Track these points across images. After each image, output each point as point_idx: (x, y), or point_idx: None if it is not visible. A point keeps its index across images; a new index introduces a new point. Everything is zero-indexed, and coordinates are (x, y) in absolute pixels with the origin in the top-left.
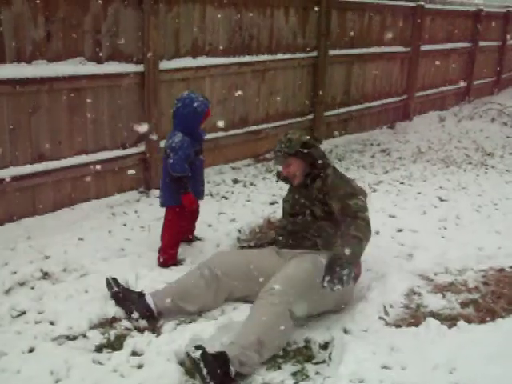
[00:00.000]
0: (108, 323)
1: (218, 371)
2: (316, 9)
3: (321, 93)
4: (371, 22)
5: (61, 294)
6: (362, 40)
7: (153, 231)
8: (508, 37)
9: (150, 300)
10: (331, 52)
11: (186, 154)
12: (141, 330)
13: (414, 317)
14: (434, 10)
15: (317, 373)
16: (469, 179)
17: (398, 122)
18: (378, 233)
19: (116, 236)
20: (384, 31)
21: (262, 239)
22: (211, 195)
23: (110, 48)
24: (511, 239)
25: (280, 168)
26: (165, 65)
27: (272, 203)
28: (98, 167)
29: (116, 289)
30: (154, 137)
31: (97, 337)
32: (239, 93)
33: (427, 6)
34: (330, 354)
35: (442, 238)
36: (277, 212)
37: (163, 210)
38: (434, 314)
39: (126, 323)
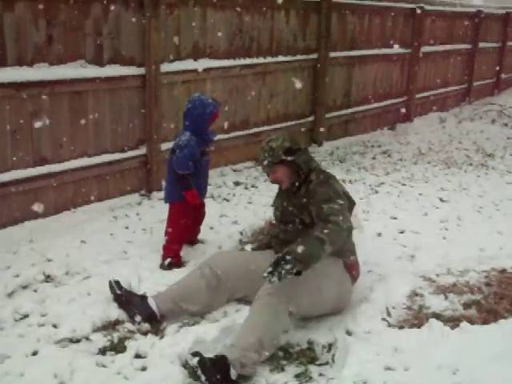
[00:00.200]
0: (111, 326)
1: (218, 376)
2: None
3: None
4: (371, 23)
5: (63, 296)
6: (362, 42)
7: (155, 234)
8: (507, 38)
9: (152, 303)
10: (332, 54)
11: (191, 153)
12: (144, 333)
13: (417, 318)
14: (434, 11)
15: (320, 374)
16: (470, 180)
17: (398, 123)
18: (379, 234)
19: (118, 239)
20: (384, 33)
21: (263, 241)
22: (213, 197)
23: (111, 51)
24: None
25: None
26: (166, 67)
27: None
28: (100, 170)
29: (119, 292)
30: (155, 139)
31: (100, 339)
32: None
33: (427, 7)
34: (333, 355)
35: (444, 239)
36: None
37: (165, 212)
38: (436, 315)
39: (129, 326)
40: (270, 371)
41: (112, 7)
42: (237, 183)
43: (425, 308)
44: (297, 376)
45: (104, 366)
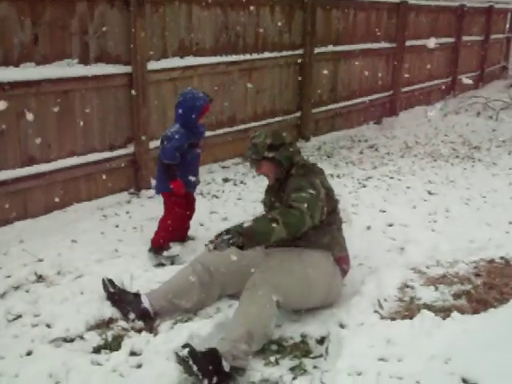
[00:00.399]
0: (105, 324)
1: (210, 367)
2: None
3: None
4: (356, 18)
5: (56, 296)
6: (347, 37)
7: (145, 231)
8: (491, 31)
9: (145, 300)
10: (317, 50)
11: (178, 144)
12: (138, 331)
13: (409, 309)
14: (418, 5)
15: (315, 367)
16: (456, 173)
17: (384, 117)
18: (369, 228)
19: (109, 237)
20: (369, 28)
21: None
22: (202, 194)
23: (97, 50)
24: (501, 231)
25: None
26: (152, 65)
27: None
28: (88, 169)
29: (112, 290)
30: (143, 137)
31: (94, 338)
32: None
33: (411, 1)
34: (327, 348)
35: (433, 231)
36: None
37: (155, 210)
38: (427, 306)
39: (122, 324)
40: (265, 365)
41: (97, 6)
42: (226, 180)
43: (416, 299)
44: (291, 369)
45: (99, 364)
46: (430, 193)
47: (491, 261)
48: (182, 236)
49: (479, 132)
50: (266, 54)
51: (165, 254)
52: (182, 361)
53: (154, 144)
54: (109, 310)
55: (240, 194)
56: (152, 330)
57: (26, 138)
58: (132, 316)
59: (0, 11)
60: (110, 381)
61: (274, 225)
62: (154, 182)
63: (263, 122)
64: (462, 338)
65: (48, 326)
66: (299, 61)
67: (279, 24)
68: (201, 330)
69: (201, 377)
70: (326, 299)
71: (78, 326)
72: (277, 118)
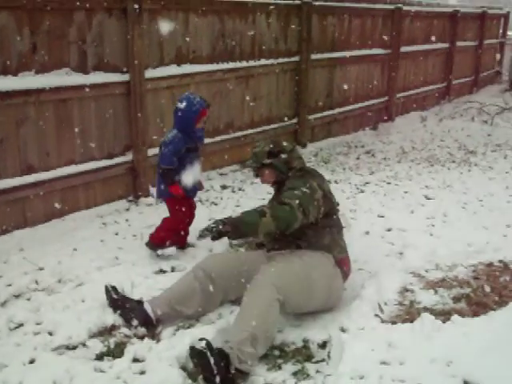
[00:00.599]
0: (107, 331)
1: (222, 364)
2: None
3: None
4: (351, 25)
5: (57, 304)
6: (342, 43)
7: (145, 239)
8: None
9: (148, 307)
10: (313, 56)
11: (175, 149)
12: (140, 337)
13: (409, 313)
14: (412, 12)
15: (317, 371)
16: (453, 177)
17: (380, 123)
18: (367, 233)
19: (109, 245)
20: (364, 34)
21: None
22: (201, 201)
23: (95, 58)
24: (498, 234)
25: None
26: (150, 73)
27: None
28: (87, 177)
29: (115, 296)
30: (141, 145)
31: (97, 345)
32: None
33: (405, 8)
34: (329, 352)
35: (431, 235)
36: None
37: (154, 218)
38: (427, 310)
39: (125, 331)
40: (268, 370)
41: (95, 15)
42: (224, 187)
43: (416, 303)
44: (294, 374)
45: (102, 372)
46: (427, 197)
47: (490, 264)
48: (182, 242)
49: (474, 137)
50: (263, 61)
51: (159, 252)
52: (197, 354)
53: (152, 151)
54: (111, 317)
55: (238, 201)
56: (154, 336)
57: (25, 147)
58: (135, 323)
59: None
60: None
61: (263, 218)
62: (152, 189)
63: (260, 129)
64: (462, 341)
65: (50, 333)
66: (295, 68)
67: (275, 31)
68: (203, 336)
69: (216, 371)
70: (327, 301)
71: (80, 333)
72: (274, 125)
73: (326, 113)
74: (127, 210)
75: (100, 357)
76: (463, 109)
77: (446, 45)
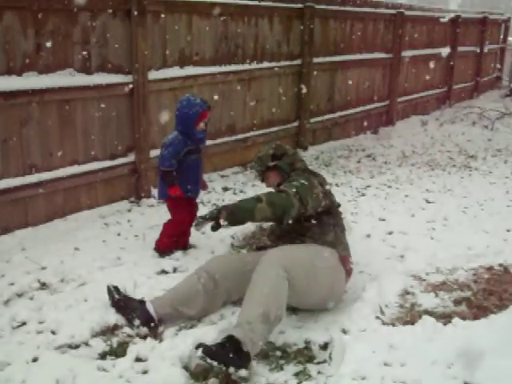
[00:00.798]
0: (110, 331)
1: (231, 355)
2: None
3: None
4: (353, 29)
5: (60, 303)
6: (344, 47)
7: (147, 240)
8: (485, 42)
9: (150, 307)
10: (315, 60)
11: (174, 151)
12: (143, 337)
13: (410, 315)
14: (414, 16)
15: (319, 372)
16: (454, 181)
17: (381, 127)
18: (368, 236)
19: (111, 245)
20: (366, 38)
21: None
22: (202, 203)
23: (99, 59)
24: (498, 238)
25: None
26: (153, 75)
27: None
28: (89, 178)
29: (117, 297)
30: (144, 146)
31: (99, 344)
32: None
33: (407, 12)
34: (331, 353)
35: (432, 239)
36: None
37: (155, 218)
38: (428, 313)
39: (127, 330)
40: (270, 370)
41: (99, 16)
42: (225, 189)
43: (417, 306)
44: (296, 374)
45: (105, 371)
46: (427, 201)
47: (490, 268)
48: (184, 243)
49: (475, 141)
50: (265, 64)
51: (166, 258)
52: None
53: (155, 153)
54: (113, 317)
55: None
56: (157, 336)
57: (28, 147)
58: (137, 322)
59: (4, 21)
60: None
61: (258, 203)
62: (153, 191)
63: (262, 132)
64: (463, 343)
65: (53, 332)
66: (297, 71)
67: (278, 34)
68: (205, 337)
69: (224, 368)
70: (329, 294)
71: (82, 332)
72: (275, 128)
73: (327, 116)
74: (129, 210)
75: (103, 356)
76: (464, 113)
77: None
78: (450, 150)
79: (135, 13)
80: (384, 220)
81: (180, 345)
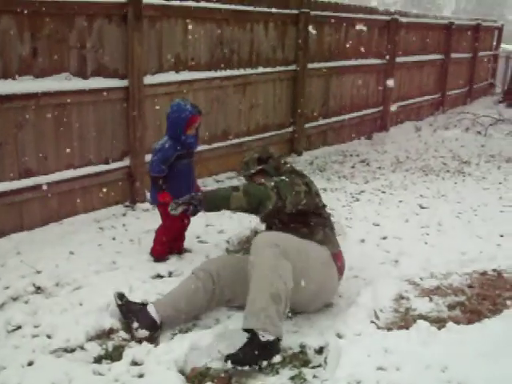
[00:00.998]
0: (105, 335)
1: (256, 352)
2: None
3: (301, 102)
4: (348, 35)
5: (55, 307)
6: (339, 53)
7: (142, 244)
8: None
9: (152, 310)
10: (310, 65)
11: (164, 156)
12: (138, 341)
13: (404, 320)
14: (408, 23)
15: (314, 376)
16: (447, 187)
17: (375, 132)
18: (363, 241)
19: (106, 249)
20: (360, 44)
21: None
22: None
23: (94, 63)
24: (492, 243)
25: None
26: (149, 80)
27: None
28: (85, 182)
29: (119, 303)
30: (139, 151)
31: (95, 348)
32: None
33: (401, 19)
34: (326, 358)
35: (426, 244)
36: None
37: (150, 223)
38: (423, 317)
39: (123, 334)
40: (265, 375)
41: (95, 20)
42: None
43: (411, 310)
44: (291, 378)
45: (101, 374)
46: (421, 207)
47: (484, 273)
48: (179, 247)
49: (468, 147)
50: (260, 70)
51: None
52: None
53: (150, 157)
54: (108, 321)
55: None
56: (152, 340)
57: (23, 150)
58: (135, 325)
59: (0, 24)
60: None
61: (234, 191)
62: (148, 195)
63: (256, 137)
64: (457, 348)
65: (48, 336)
66: (292, 76)
67: (273, 40)
68: (201, 341)
69: (257, 367)
70: (320, 288)
71: (78, 336)
72: (270, 133)
73: (321, 121)
74: (124, 215)
75: (98, 360)
76: (457, 119)
77: (440, 56)
78: (443, 155)
79: (131, 17)
80: (378, 225)
81: (176, 349)
